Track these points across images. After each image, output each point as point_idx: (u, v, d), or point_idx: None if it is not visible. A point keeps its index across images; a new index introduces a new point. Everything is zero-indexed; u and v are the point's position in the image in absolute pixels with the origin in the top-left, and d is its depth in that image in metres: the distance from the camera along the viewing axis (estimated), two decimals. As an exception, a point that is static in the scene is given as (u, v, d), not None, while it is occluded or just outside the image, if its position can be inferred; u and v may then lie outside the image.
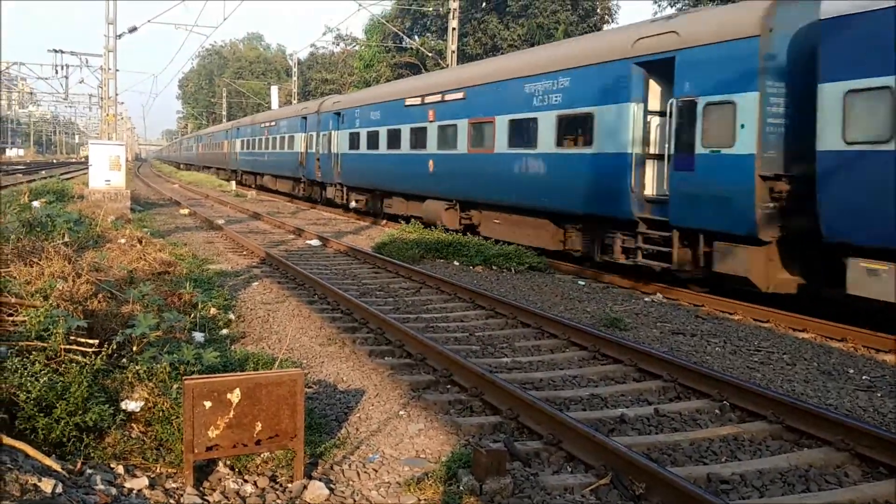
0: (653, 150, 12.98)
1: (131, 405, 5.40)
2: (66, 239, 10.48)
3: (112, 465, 4.83)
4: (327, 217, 27.47)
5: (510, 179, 16.11)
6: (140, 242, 13.61)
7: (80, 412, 5.00)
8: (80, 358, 5.61)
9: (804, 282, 10.83)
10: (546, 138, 14.90)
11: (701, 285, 12.34)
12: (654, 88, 12.96)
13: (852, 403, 7.09)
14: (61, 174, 37.55)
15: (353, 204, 26.79)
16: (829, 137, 9.71)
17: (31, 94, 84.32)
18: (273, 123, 38.19)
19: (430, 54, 39.19)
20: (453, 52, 28.44)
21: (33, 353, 5.57)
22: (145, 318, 6.53)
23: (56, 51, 42.01)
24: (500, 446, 5.26)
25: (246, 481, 4.91)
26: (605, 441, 5.31)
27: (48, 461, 4.48)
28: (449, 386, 7.20)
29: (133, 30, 30.50)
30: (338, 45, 67.43)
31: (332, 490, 4.86)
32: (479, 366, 7.33)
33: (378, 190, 24.37)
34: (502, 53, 35.22)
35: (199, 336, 7.83)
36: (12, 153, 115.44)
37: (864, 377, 8.01)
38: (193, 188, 46.03)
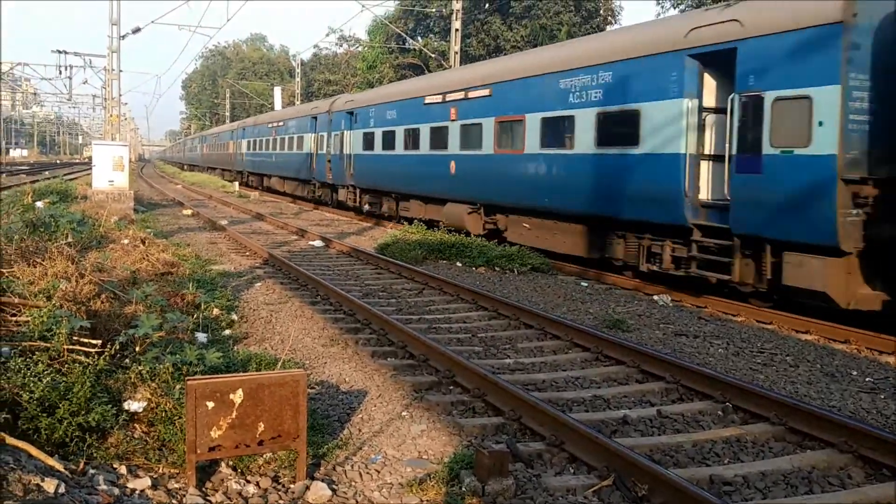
0: (708, 150, 11.96)
1: (134, 405, 5.41)
2: (70, 239, 10.49)
3: (115, 466, 4.83)
4: (330, 218, 27.49)
5: (542, 182, 15.08)
6: (143, 243, 13.63)
7: (83, 412, 5.01)
8: (83, 358, 5.62)
9: (888, 298, 9.77)
10: (584, 138, 13.82)
11: (763, 300, 11.24)
12: (710, 83, 11.91)
13: (855, 405, 7.07)
14: (65, 175, 37.56)
15: (366, 207, 25.70)
16: None
17: (35, 94, 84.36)
18: (281, 124, 37.04)
19: (432, 55, 39.23)
20: (456, 53, 28.42)
21: (36, 353, 5.59)
22: (148, 319, 6.54)
23: (60, 51, 42.21)
24: (502, 447, 5.26)
25: (248, 482, 4.92)
26: (608, 442, 5.30)
27: (51, 461, 4.48)
28: (451, 387, 7.20)
29: (137, 30, 30.59)
30: (341, 46, 67.58)
31: (334, 491, 4.86)
32: (481, 367, 7.33)
33: (394, 192, 23.22)
34: (505, 54, 35.30)
35: (201, 336, 7.84)
36: (16, 154, 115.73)
37: (867, 379, 7.99)
38: (196, 189, 46.08)
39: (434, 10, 45.68)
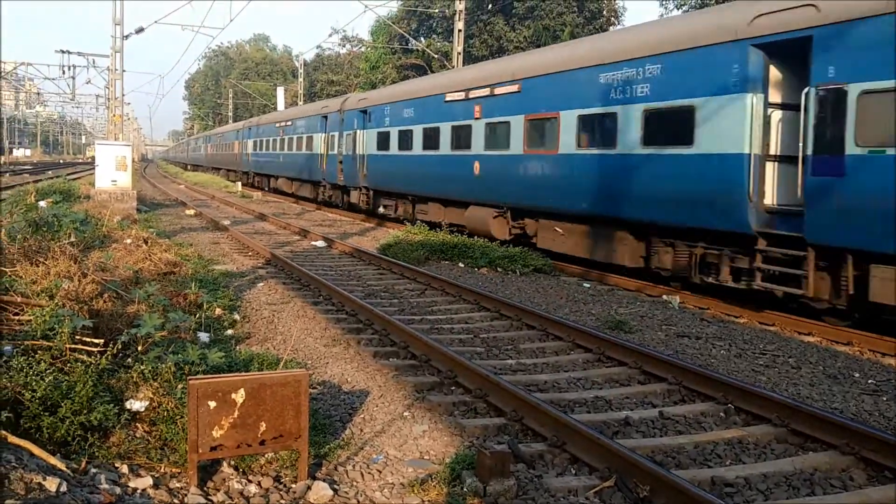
0: (775, 150, 10.85)
1: (136, 405, 5.41)
2: (72, 239, 10.50)
3: (116, 465, 4.84)
4: (332, 218, 27.49)
5: (578, 184, 13.96)
6: (146, 243, 13.65)
7: (85, 411, 5.01)
8: (85, 357, 5.63)
9: None
10: (628, 136, 12.69)
11: (840, 317, 10.21)
12: (776, 76, 10.84)
13: (858, 407, 7.06)
14: (68, 174, 37.62)
15: (380, 210, 24.59)
16: None
17: (39, 94, 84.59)
18: (289, 123, 35.86)
19: (435, 56, 39.24)
20: (459, 53, 28.45)
21: (39, 352, 5.60)
22: (150, 318, 6.55)
23: (63, 51, 42.24)
24: (504, 448, 5.26)
25: (250, 481, 4.92)
26: (610, 443, 5.30)
27: (53, 460, 4.49)
28: (453, 387, 7.20)
29: (140, 31, 30.66)
30: (344, 46, 67.57)
31: (335, 491, 4.86)
32: (483, 367, 7.33)
33: (411, 195, 22.12)
34: (508, 55, 35.36)
35: (203, 336, 7.85)
36: (19, 153, 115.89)
37: (869, 381, 7.98)
38: (199, 189, 46.13)
39: (437, 10, 45.71)
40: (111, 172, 23.81)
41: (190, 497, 4.60)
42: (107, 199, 22.62)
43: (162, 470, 4.92)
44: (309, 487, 4.82)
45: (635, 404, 6.95)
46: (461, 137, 18.35)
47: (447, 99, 19.10)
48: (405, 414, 6.45)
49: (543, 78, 15.22)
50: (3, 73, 63.40)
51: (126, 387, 5.62)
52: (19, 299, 6.76)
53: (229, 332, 8.92)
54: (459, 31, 28.63)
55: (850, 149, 9.38)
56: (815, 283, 9.94)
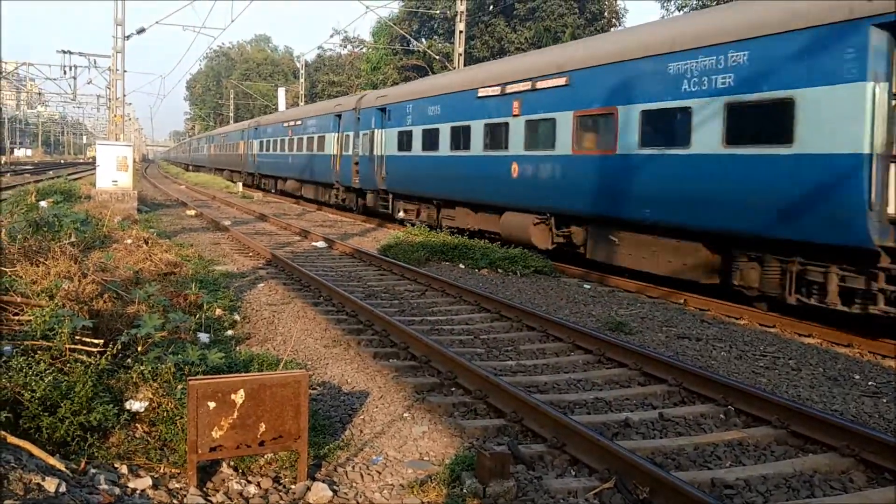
0: None
1: (136, 405, 5.42)
2: (73, 239, 10.50)
3: (116, 465, 4.84)
4: (333, 219, 27.49)
5: (642, 189, 12.51)
6: (146, 243, 13.65)
7: (85, 412, 5.02)
8: (85, 357, 5.63)
9: None
10: (705, 134, 11.17)
11: None
12: None
13: (858, 409, 7.06)
14: (69, 174, 37.65)
15: (400, 214, 22.87)
16: None
17: (40, 94, 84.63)
18: (299, 122, 34.25)
19: (437, 57, 39.24)
20: (460, 54, 28.47)
21: (38, 352, 5.60)
22: (150, 319, 6.55)
23: (64, 52, 42.32)
24: (503, 449, 5.26)
25: (249, 482, 4.92)
26: (610, 445, 5.29)
27: (52, 460, 4.49)
28: (453, 388, 7.19)
29: (141, 31, 30.68)
30: (345, 47, 67.65)
31: (335, 492, 4.86)
32: (483, 368, 7.33)
33: (436, 199, 20.51)
34: (509, 55, 35.35)
35: (203, 337, 7.85)
36: (20, 153, 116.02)
37: (869, 383, 7.98)
38: (200, 189, 46.15)
39: (438, 11, 45.72)
40: (112, 173, 23.83)
41: (189, 497, 4.60)
42: (107, 199, 22.65)
43: (161, 470, 4.92)
44: (308, 488, 4.82)
45: (635, 406, 6.95)
46: (496, 136, 16.88)
47: (480, 94, 17.56)
48: (405, 415, 6.45)
49: (597, 69, 13.68)
50: (4, 73, 63.43)
51: (126, 387, 5.62)
52: (19, 299, 6.76)
53: (229, 332, 8.92)
54: (461, 32, 28.65)
55: None
56: None
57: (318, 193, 32.02)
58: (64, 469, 4.48)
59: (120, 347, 5.92)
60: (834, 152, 9.50)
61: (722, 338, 9.79)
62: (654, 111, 12.28)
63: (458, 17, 28.78)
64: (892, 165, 9.30)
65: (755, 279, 10.95)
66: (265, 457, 5.15)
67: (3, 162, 72.90)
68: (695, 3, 38.08)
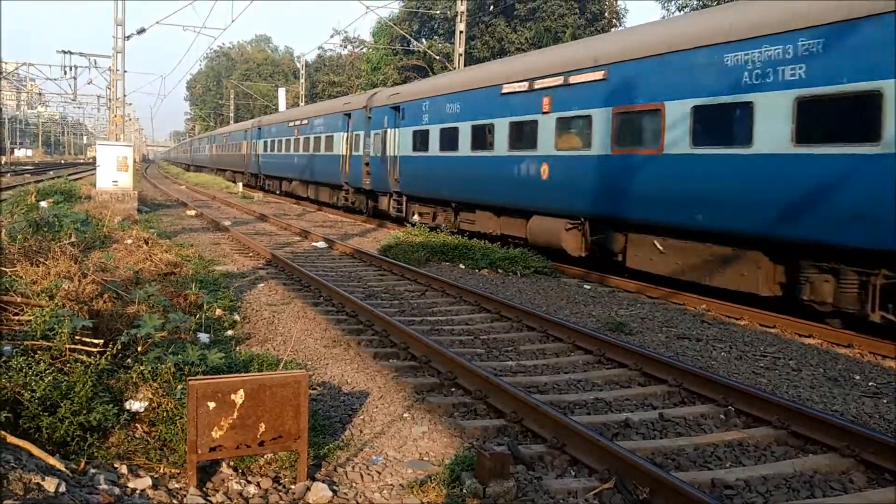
0: None
1: (135, 405, 5.41)
2: (73, 239, 10.50)
3: (115, 465, 4.84)
4: (333, 219, 27.49)
5: (693, 192, 11.44)
6: (146, 243, 13.65)
7: (85, 412, 5.02)
8: (84, 358, 5.62)
9: None
10: (771, 132, 10.14)
11: None
12: None
13: (858, 409, 7.06)
14: (69, 174, 37.63)
15: (415, 218, 21.70)
16: None
17: (40, 94, 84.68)
18: (305, 122, 33.08)
19: (437, 57, 39.25)
20: (461, 55, 28.48)
21: (38, 352, 5.59)
22: (150, 319, 6.55)
23: (65, 52, 42.25)
24: (503, 449, 5.25)
25: (249, 482, 4.92)
26: (610, 445, 5.29)
27: (52, 460, 4.49)
28: (453, 389, 7.19)
29: (141, 31, 30.65)
30: (345, 47, 67.68)
31: (335, 492, 4.86)
32: (483, 369, 7.32)
33: (454, 202, 19.43)
34: (510, 55, 35.31)
35: (203, 337, 7.85)
36: (20, 153, 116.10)
37: (870, 383, 7.97)
38: (200, 189, 46.17)
39: (438, 12, 45.77)
40: (112, 173, 23.84)
41: (189, 498, 4.60)
42: (108, 199, 22.67)
43: (161, 470, 4.92)
44: (308, 488, 4.81)
45: (635, 406, 6.95)
46: (523, 135, 15.82)
47: (504, 91, 16.49)
48: (405, 415, 6.45)
49: (640, 62, 12.62)
50: (4, 74, 63.45)
51: (125, 387, 5.62)
52: (19, 299, 6.76)
53: (229, 332, 8.92)
54: (461, 32, 28.65)
55: None
56: None
57: (325, 195, 31.16)
58: (64, 469, 4.48)
59: (120, 347, 5.92)
60: None
61: (722, 338, 9.78)
62: (707, 107, 11.27)
63: (459, 17, 28.79)
64: None
65: (828, 293, 9.87)
66: (265, 457, 5.14)
67: (3, 162, 72.92)
68: (695, 3, 38.09)
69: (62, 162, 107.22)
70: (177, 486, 4.76)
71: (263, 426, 4.79)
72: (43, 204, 14.94)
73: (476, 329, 9.84)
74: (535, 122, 15.32)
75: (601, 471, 5.16)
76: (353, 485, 5.04)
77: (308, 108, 39.34)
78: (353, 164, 26.57)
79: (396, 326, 8.95)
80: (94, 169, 25.87)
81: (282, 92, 61.97)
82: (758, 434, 6.16)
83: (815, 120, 9.81)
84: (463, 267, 15.50)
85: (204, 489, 4.77)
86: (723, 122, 11.07)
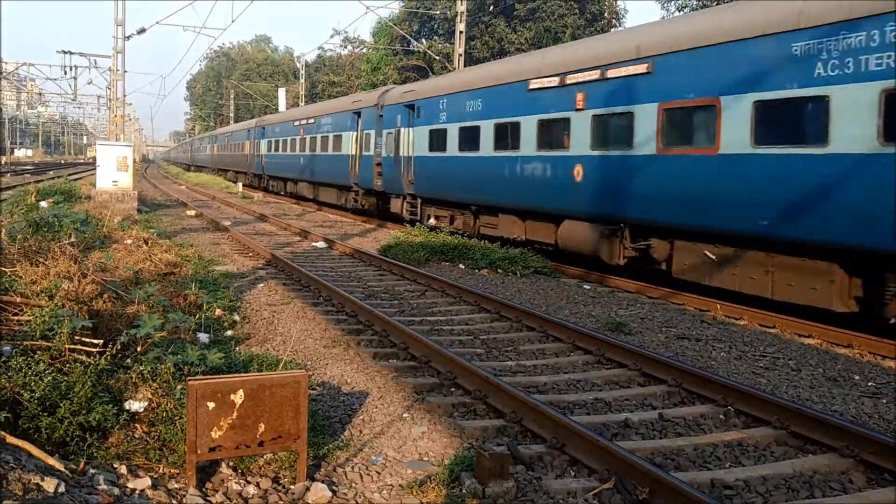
0: None
1: (135, 405, 5.41)
2: (73, 239, 10.50)
3: (115, 465, 4.84)
4: (333, 219, 27.50)
5: (756, 196, 10.38)
6: (146, 243, 13.65)
7: (84, 412, 5.02)
8: (84, 358, 5.62)
9: None
10: (851, 130, 9.19)
11: None
12: None
13: (857, 410, 7.06)
14: (69, 175, 37.64)
15: (431, 221, 20.74)
16: None
17: (40, 94, 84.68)
18: (312, 121, 32.15)
19: (437, 57, 39.25)
20: (461, 55, 28.47)
21: (38, 352, 5.59)
22: (150, 319, 6.55)
23: (65, 52, 42.27)
24: (503, 450, 5.25)
25: (248, 482, 4.92)
26: (609, 445, 5.29)
27: (51, 461, 4.49)
28: (453, 389, 7.19)
29: (141, 31, 30.65)
30: (345, 47, 67.68)
31: (334, 492, 4.86)
32: (483, 369, 7.32)
33: (474, 205, 18.44)
34: (510, 56, 35.29)
35: (203, 337, 7.85)
36: (20, 153, 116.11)
37: (869, 383, 7.97)
38: (200, 189, 46.18)
39: (438, 12, 45.76)
40: (112, 173, 23.85)
41: (188, 498, 4.60)
42: (108, 199, 22.68)
43: (161, 471, 4.92)
44: (308, 488, 4.81)
45: (635, 406, 6.95)
46: (554, 134, 14.82)
47: (532, 87, 15.45)
48: (404, 415, 6.45)
49: (691, 53, 11.57)
50: (4, 73, 63.47)
51: (125, 387, 5.62)
52: (19, 299, 6.76)
53: (229, 332, 8.93)
54: (461, 32, 28.64)
55: None
56: None
57: (332, 197, 30.25)
58: (63, 469, 4.48)
59: (119, 347, 5.92)
60: None
61: (722, 338, 9.78)
62: (772, 102, 10.22)
63: (459, 17, 28.78)
64: None
65: None
66: (264, 457, 5.15)
67: (3, 162, 72.93)
68: (695, 3, 38.09)
69: (62, 162, 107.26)
70: (176, 486, 4.76)
71: (263, 426, 4.80)
72: (43, 204, 14.94)
73: (476, 329, 9.84)
74: (568, 119, 14.36)
75: (601, 471, 5.15)
76: (353, 485, 5.04)
77: (315, 106, 38.22)
78: (363, 165, 25.70)
79: (396, 326, 8.95)
80: (94, 169, 25.88)
81: (282, 92, 61.96)
82: (757, 434, 6.16)
83: None
84: (463, 267, 15.50)
85: (203, 489, 4.77)
86: (791, 119, 10.12)
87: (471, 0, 40.47)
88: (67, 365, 5.51)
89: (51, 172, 51.81)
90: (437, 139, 19.73)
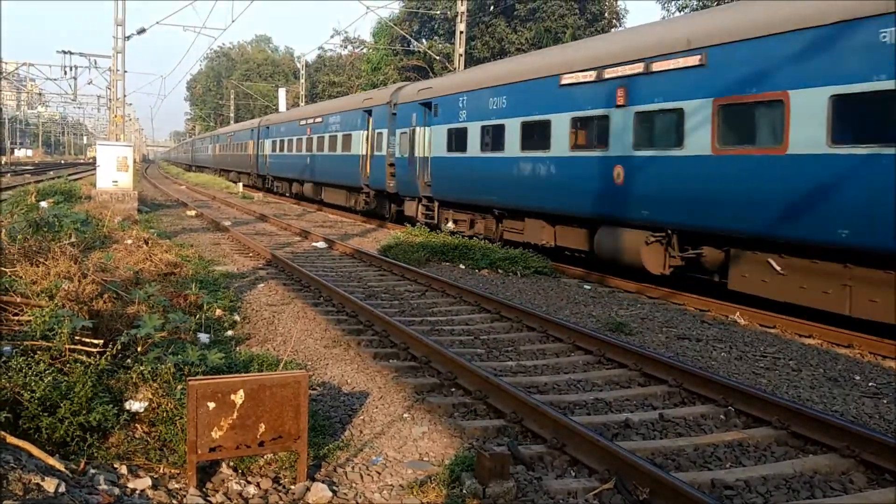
0: None
1: (135, 405, 5.41)
2: (73, 239, 10.50)
3: (115, 465, 4.84)
4: (333, 220, 27.49)
5: (836, 201, 9.34)
6: (146, 243, 13.65)
7: (84, 412, 5.01)
8: (84, 358, 5.62)
9: None
10: None
11: None
12: None
13: (858, 410, 7.05)
14: (69, 175, 37.64)
15: (449, 226, 19.64)
16: None
17: (40, 94, 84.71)
18: (319, 120, 31.04)
19: (437, 57, 39.26)
20: (461, 55, 28.48)
21: (38, 352, 5.59)
22: (150, 319, 6.55)
23: (65, 52, 42.29)
24: (503, 450, 5.25)
25: (249, 482, 4.92)
26: (610, 445, 5.29)
27: (51, 461, 4.49)
28: (453, 389, 7.19)
29: (142, 31, 30.66)
30: (345, 47, 67.68)
31: (334, 492, 4.86)
32: (483, 369, 7.32)
33: (497, 208, 17.36)
34: (510, 56, 35.30)
35: (203, 337, 7.84)
36: (20, 153, 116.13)
37: (870, 384, 7.97)
38: (200, 190, 46.18)
39: (439, 12, 45.76)
40: (112, 173, 23.85)
41: (189, 498, 4.60)
42: (108, 199, 22.67)
43: (161, 471, 4.92)
44: (308, 488, 4.81)
45: (635, 406, 6.94)
46: (590, 133, 13.88)
47: (564, 82, 14.45)
48: (405, 415, 6.45)
49: (753, 43, 10.51)
50: (4, 73, 63.49)
51: (125, 387, 5.62)
52: (19, 299, 6.76)
53: (229, 332, 8.92)
54: (461, 32, 28.65)
55: None
56: None
57: (341, 198, 29.26)
58: (63, 469, 4.48)
59: (120, 348, 5.92)
60: None
61: (722, 338, 9.78)
62: (853, 95, 9.17)
63: (459, 17, 28.79)
64: None
65: None
66: (265, 457, 5.14)
67: (3, 162, 72.94)
68: (695, 3, 38.09)
69: (62, 162, 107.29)
70: (176, 486, 4.76)
71: (263, 426, 4.79)
72: (43, 204, 14.94)
73: (476, 329, 9.84)
74: (606, 117, 13.28)
75: (601, 471, 5.15)
76: (353, 485, 5.04)
77: (322, 104, 37.25)
78: (374, 166, 24.76)
79: (396, 327, 8.94)
80: (94, 169, 25.88)
81: (282, 92, 61.99)
82: (758, 434, 6.15)
83: None
84: (463, 267, 15.50)
85: (204, 489, 4.77)
86: (877, 115, 9.08)
87: (471, 0, 40.47)
88: (68, 365, 5.51)
89: (51, 172, 51.83)
90: (457, 139, 18.76)
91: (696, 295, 12.22)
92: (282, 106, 58.83)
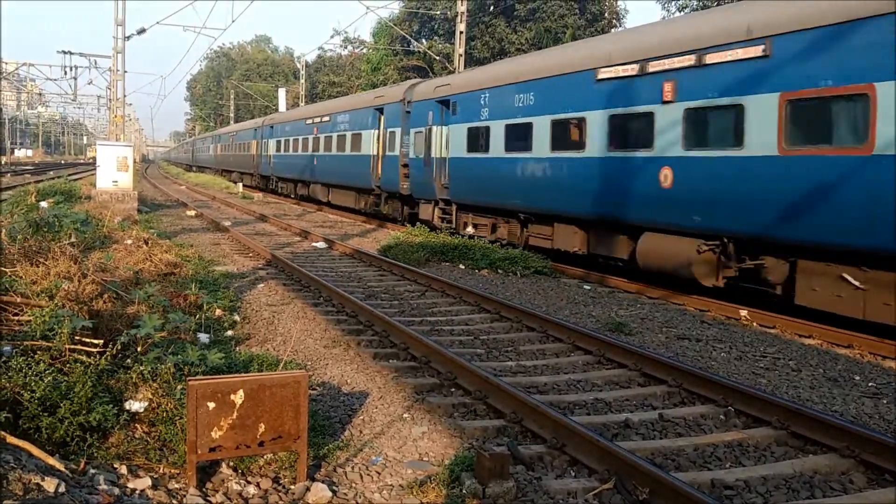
0: None
1: (135, 405, 5.41)
2: (73, 239, 10.50)
3: (115, 465, 4.84)
4: (333, 220, 27.49)
5: None
6: (146, 243, 13.64)
7: (84, 412, 5.01)
8: (84, 358, 5.62)
9: None
10: None
11: None
12: None
13: (858, 410, 7.06)
14: (69, 175, 37.63)
15: (469, 230, 18.69)
16: None
17: (40, 94, 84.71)
18: (327, 119, 29.86)
19: (437, 58, 39.26)
20: (461, 55, 28.48)
21: (38, 352, 5.59)
22: (150, 319, 6.54)
23: (65, 52, 42.32)
24: (503, 450, 5.25)
25: (249, 482, 4.92)
26: (609, 445, 5.29)
27: (51, 461, 4.49)
28: (453, 389, 7.19)
29: (142, 31, 30.64)
30: (345, 48, 67.69)
31: (334, 492, 4.86)
32: (483, 369, 7.32)
33: (523, 212, 16.28)
34: (510, 56, 35.28)
35: (203, 337, 7.84)
36: (21, 154, 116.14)
37: (870, 384, 7.97)
38: (200, 190, 46.18)
39: (439, 12, 45.77)
40: (112, 173, 23.86)
41: (189, 498, 4.60)
42: (108, 199, 22.68)
43: (161, 471, 4.92)
44: (308, 488, 4.81)
45: (635, 406, 6.94)
46: (631, 131, 12.77)
47: (602, 76, 13.36)
48: (405, 415, 6.45)
49: (828, 31, 9.39)
50: (4, 74, 63.50)
51: (125, 387, 5.62)
52: (19, 299, 6.76)
53: (229, 333, 8.92)
54: (461, 32, 28.65)
55: None
56: None
57: (350, 200, 28.11)
58: (63, 469, 4.48)
59: (120, 348, 5.92)
60: None
61: (722, 338, 9.78)
62: None
63: (459, 17, 28.79)
64: None
65: None
66: (265, 457, 5.14)
67: (3, 162, 72.94)
68: (695, 3, 38.10)
69: (62, 162, 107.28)
70: (176, 486, 4.76)
71: (263, 426, 4.79)
72: (43, 204, 14.93)
73: (476, 329, 9.84)
74: (651, 114, 12.18)
75: (601, 471, 5.15)
76: (353, 485, 5.04)
77: (330, 102, 35.94)
78: (386, 166, 23.70)
79: (396, 327, 8.94)
80: (94, 169, 25.88)
81: (282, 92, 62.02)
82: (758, 434, 6.16)
83: None
84: (463, 267, 15.50)
85: (203, 489, 4.77)
86: None
87: (471, 0, 40.48)
88: (68, 365, 5.51)
89: (51, 172, 51.83)
90: (478, 138, 17.65)
91: (695, 296, 12.21)
92: (282, 106, 58.85)
